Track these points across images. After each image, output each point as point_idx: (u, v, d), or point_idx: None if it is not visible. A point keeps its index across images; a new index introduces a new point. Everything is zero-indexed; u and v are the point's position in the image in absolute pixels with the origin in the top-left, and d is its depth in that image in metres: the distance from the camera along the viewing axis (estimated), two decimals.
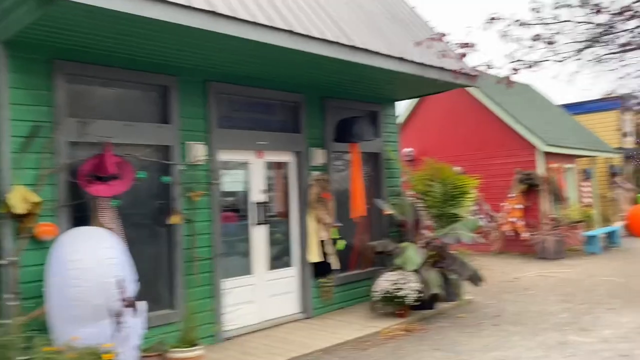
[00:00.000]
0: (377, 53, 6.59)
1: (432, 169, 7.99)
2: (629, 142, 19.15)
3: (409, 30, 7.82)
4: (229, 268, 6.64)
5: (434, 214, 8.10)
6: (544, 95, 19.51)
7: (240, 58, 6.09)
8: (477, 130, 14.63)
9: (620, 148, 18.20)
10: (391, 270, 7.20)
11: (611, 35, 7.62)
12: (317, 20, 6.12)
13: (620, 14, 6.95)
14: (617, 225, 16.57)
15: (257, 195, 6.98)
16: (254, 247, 6.93)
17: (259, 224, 6.94)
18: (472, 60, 8.03)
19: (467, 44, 7.07)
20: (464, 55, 7.27)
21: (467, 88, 14.62)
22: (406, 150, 15.79)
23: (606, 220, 17.33)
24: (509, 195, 13.63)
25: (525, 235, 13.21)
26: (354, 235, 8.29)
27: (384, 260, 8.03)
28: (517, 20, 6.92)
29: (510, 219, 13.45)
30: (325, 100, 7.82)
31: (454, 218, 7.93)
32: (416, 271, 7.00)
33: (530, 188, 13.36)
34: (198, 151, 6.18)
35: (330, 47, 6.02)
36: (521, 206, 13.44)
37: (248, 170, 6.95)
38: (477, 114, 14.63)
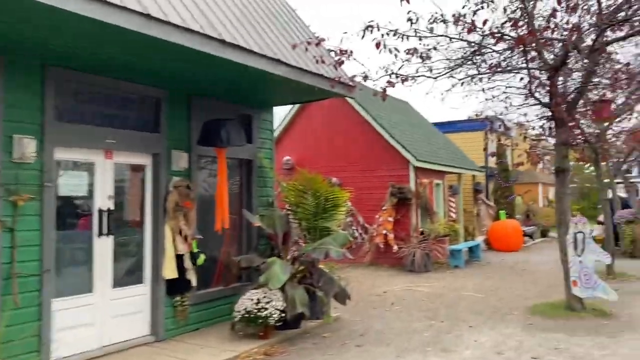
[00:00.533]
0: (249, 51, 6.03)
1: (305, 179, 7.61)
2: (493, 162, 20.59)
3: (288, 32, 7.38)
4: (64, 286, 5.66)
5: (305, 227, 7.73)
6: (419, 113, 20.34)
7: (88, 42, 5.19)
8: (356, 143, 14.69)
9: (484, 167, 19.48)
10: (256, 288, 6.65)
11: (482, 56, 7.82)
12: (181, 7, 5.42)
13: (490, 35, 7.12)
14: (479, 239, 17.62)
15: (103, 201, 6.05)
16: (97, 261, 5.99)
17: (103, 234, 6.02)
18: (350, 70, 7.67)
19: (344, 51, 6.79)
20: (341, 62, 6.99)
21: (347, 99, 14.67)
22: (285, 158, 15.45)
23: (470, 235, 18.38)
24: (383, 208, 13.80)
25: (395, 248, 13.43)
26: (219, 249, 7.64)
27: (251, 276, 7.46)
28: (392, 31, 6.77)
29: (383, 231, 13.61)
30: (192, 98, 7.10)
31: (326, 232, 7.62)
32: (282, 288, 6.52)
33: (402, 201, 13.64)
34: (26, 147, 5.17)
35: (195, 39, 5.34)
36: (392, 219, 13.66)
37: (93, 173, 6.01)
38: (357, 126, 14.69)
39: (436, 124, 20.52)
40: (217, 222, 6.99)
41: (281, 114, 15.67)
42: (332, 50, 6.98)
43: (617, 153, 10.38)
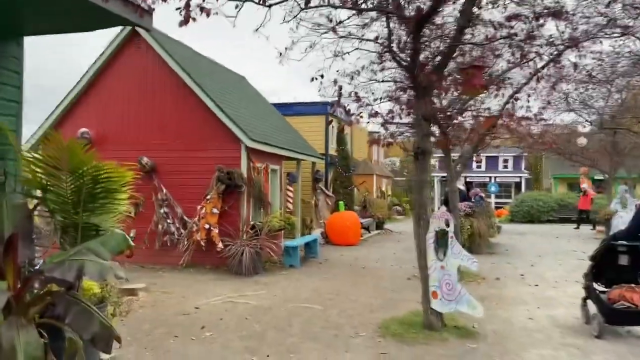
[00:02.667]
0: None
1: (58, 149, 4.76)
2: (333, 149, 19.23)
3: None
4: None
5: (61, 224, 4.91)
6: (256, 90, 18.10)
7: None
8: (177, 116, 11.89)
9: (324, 154, 17.97)
10: None
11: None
12: None
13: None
14: (317, 233, 15.99)
15: None
16: None
17: None
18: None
19: None
20: None
21: (167, 60, 11.80)
22: (80, 131, 12.03)
23: (307, 228, 16.70)
24: (207, 197, 11.26)
25: (220, 245, 11.01)
26: None
27: None
28: None
29: (205, 226, 11.08)
30: None
31: (92, 231, 4.89)
32: None
33: (232, 189, 11.26)
34: None
35: None
36: (218, 210, 11.20)
37: None
38: (179, 95, 11.89)
39: (275, 105, 18.48)
40: None
41: (78, 73, 12.17)
42: None
43: (467, 139, 9.24)
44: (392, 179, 40.18)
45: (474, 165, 40.86)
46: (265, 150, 12.30)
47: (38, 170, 4.78)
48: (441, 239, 6.24)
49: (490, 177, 41.65)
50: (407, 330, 6.23)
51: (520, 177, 44.38)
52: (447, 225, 6.26)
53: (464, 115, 8.84)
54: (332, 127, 19.61)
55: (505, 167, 44.72)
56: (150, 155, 11.80)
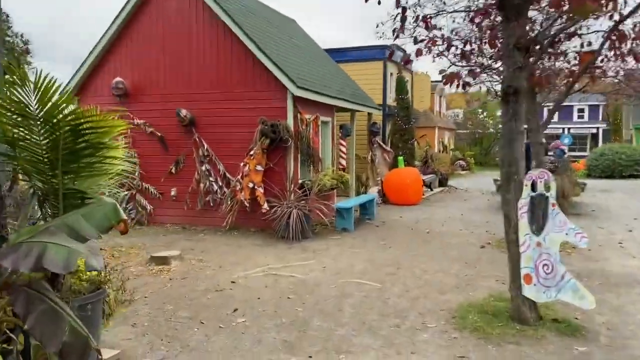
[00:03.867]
0: None
1: (25, 90, 3.56)
2: (391, 99, 17.54)
3: None
4: None
5: (39, 189, 3.80)
6: (308, 35, 16.51)
7: None
8: (217, 63, 10.61)
9: (382, 104, 16.34)
10: None
11: None
12: None
13: None
14: (374, 191, 14.61)
15: None
16: None
17: None
18: None
19: None
20: None
21: (206, 0, 10.46)
22: (115, 81, 11.04)
23: (362, 186, 15.35)
24: (250, 153, 10.07)
25: (265, 206, 9.88)
26: None
27: None
28: None
29: (249, 184, 9.95)
30: None
31: (77, 198, 3.75)
32: None
33: (276, 144, 10.00)
34: None
35: None
36: (262, 168, 10.00)
37: None
38: (219, 38, 10.58)
39: (327, 52, 16.85)
40: None
41: (108, 19, 11.06)
42: None
43: (562, 80, 7.42)
44: (454, 132, 37.82)
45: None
46: (315, 100, 10.89)
47: (3, 120, 3.62)
48: (538, 207, 4.70)
49: (563, 129, 38.42)
50: (490, 323, 4.84)
51: (597, 128, 40.69)
52: (547, 188, 4.71)
53: (564, 45, 6.99)
54: (391, 74, 17.81)
55: (581, 117, 41.10)
56: (189, 107, 10.68)
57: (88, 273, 4.18)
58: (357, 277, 6.78)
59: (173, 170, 10.91)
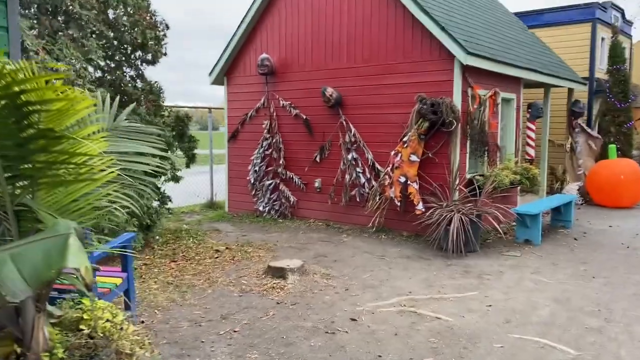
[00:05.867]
0: None
1: None
2: (601, 72, 13.77)
3: None
4: None
5: None
6: None
7: None
8: (369, 29, 8.77)
9: (587, 78, 12.82)
10: None
11: None
12: None
13: None
14: (573, 189, 11.45)
15: None
16: None
17: None
18: None
19: None
20: None
21: None
22: (261, 57, 9.95)
23: (558, 181, 12.23)
24: (403, 139, 8.10)
25: (420, 207, 7.84)
26: None
27: None
28: None
29: (400, 178, 8.00)
30: None
31: (28, 221, 2.29)
32: None
33: (437, 128, 7.84)
34: None
35: None
36: (418, 158, 7.95)
37: None
38: (372, 2, 8.72)
39: (517, 15, 13.78)
40: None
41: None
42: None
43: None
44: None
45: None
46: (493, 71, 8.39)
47: None
48: None
49: None
50: None
51: None
52: None
53: None
54: (602, 39, 13.97)
55: None
56: (335, 85, 9.09)
57: (87, 320, 2.73)
58: (538, 332, 4.44)
59: (317, 159, 9.46)
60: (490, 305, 5.11)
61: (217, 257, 6.96)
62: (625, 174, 11.09)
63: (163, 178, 8.00)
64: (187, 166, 8.61)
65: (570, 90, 12.12)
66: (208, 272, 6.29)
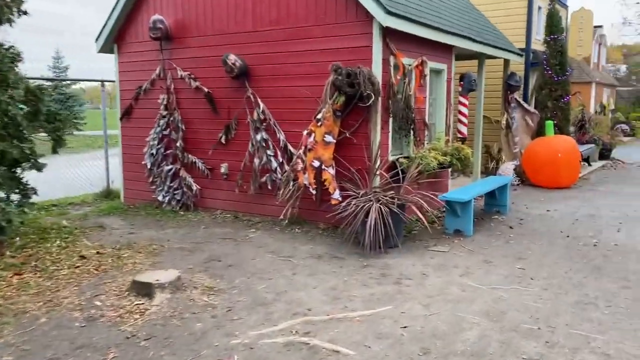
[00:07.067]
0: None
1: None
2: (538, 43, 13.03)
3: None
4: None
5: None
6: None
7: None
8: None
9: (524, 49, 12.00)
10: None
11: None
12: None
13: None
14: (508, 170, 10.65)
15: None
16: None
17: None
18: None
19: None
20: None
21: None
22: (153, 19, 8.40)
23: (492, 161, 11.44)
24: (317, 117, 6.86)
25: (336, 195, 6.68)
26: None
27: None
28: None
29: (314, 162, 6.78)
30: None
31: None
32: None
33: (355, 103, 6.64)
34: None
35: None
36: (333, 138, 6.74)
37: None
38: None
39: None
40: None
41: None
42: None
43: None
44: (615, 89, 30.87)
45: None
46: (420, 36, 7.24)
47: None
48: None
49: None
50: None
51: None
52: None
53: None
54: (539, 8, 13.22)
55: None
56: (240, 52, 7.70)
57: None
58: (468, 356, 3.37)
59: (223, 140, 8.09)
60: (405, 327, 4.00)
61: (78, 267, 5.53)
62: (563, 152, 10.39)
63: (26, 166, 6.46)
64: (54, 151, 7.03)
65: (507, 62, 11.25)
66: (56, 289, 4.87)
